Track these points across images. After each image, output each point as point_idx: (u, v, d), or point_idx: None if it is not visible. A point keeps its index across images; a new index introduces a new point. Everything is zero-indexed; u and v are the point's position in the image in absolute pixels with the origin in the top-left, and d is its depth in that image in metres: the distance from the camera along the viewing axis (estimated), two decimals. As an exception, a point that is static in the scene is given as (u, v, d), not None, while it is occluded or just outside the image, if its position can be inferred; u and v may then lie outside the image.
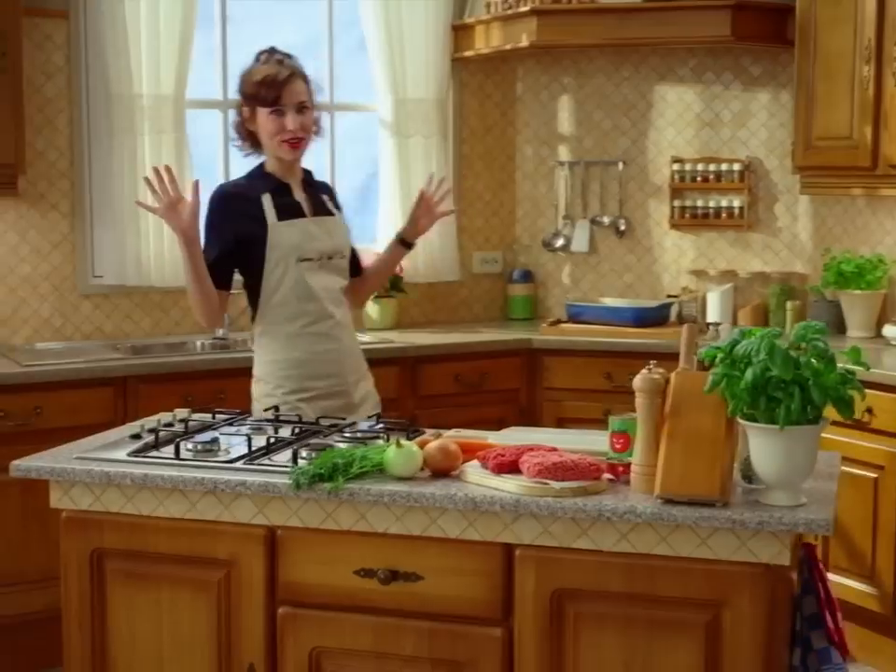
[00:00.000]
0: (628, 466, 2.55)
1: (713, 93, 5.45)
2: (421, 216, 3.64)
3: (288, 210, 3.39)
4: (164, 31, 4.77)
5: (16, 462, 2.78)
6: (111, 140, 4.79)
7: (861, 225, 5.09)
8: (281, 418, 3.15)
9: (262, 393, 3.45)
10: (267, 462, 2.73)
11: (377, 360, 4.72)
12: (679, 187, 5.48)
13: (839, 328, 4.99)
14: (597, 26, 4.98)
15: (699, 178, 5.46)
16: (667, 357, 4.76)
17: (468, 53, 5.42)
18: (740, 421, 2.40)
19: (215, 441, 2.84)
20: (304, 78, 3.41)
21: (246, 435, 2.88)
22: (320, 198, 3.52)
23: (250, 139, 3.43)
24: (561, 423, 4.85)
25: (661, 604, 2.43)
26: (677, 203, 5.49)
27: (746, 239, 5.46)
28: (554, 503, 2.43)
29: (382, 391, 4.69)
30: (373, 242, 5.44)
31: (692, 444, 2.42)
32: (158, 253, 4.84)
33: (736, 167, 5.40)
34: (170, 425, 3.05)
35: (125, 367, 4.32)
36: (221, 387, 4.42)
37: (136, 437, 2.95)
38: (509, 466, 2.56)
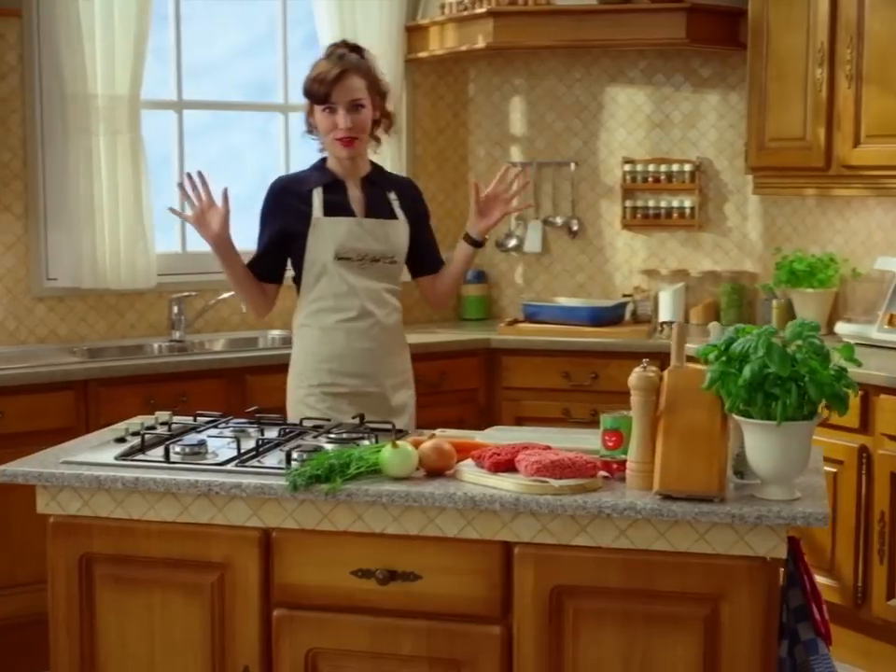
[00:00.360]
0: (622, 463, 2.58)
1: (663, 95, 5.52)
2: (488, 208, 3.45)
3: (337, 207, 3.38)
4: (119, 30, 4.72)
5: (1, 467, 2.74)
6: (66, 141, 4.73)
7: (812, 224, 5.19)
8: (262, 419, 3.13)
9: (294, 385, 3.46)
10: (259, 464, 2.71)
11: (338, 361, 4.74)
12: (631, 187, 5.54)
13: (790, 325, 5.08)
14: (553, 28, 5.02)
15: (650, 179, 5.52)
16: (624, 356, 4.89)
17: (422, 54, 5.43)
18: (736, 417, 2.44)
19: (202, 443, 2.82)
20: (363, 75, 3.35)
21: (234, 437, 2.86)
22: (383, 198, 3.46)
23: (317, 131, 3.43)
24: (520, 422, 4.88)
25: (659, 599, 2.46)
26: (628, 203, 5.55)
27: (696, 239, 5.53)
28: (554, 501, 2.46)
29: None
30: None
31: (688, 441, 2.45)
32: (114, 255, 4.78)
33: (687, 168, 5.47)
34: (152, 428, 3.03)
35: (86, 370, 4.26)
36: (183, 390, 4.39)
37: (121, 440, 2.92)
38: (505, 464, 2.58)
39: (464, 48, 5.18)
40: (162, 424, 3.07)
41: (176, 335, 4.91)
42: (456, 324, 5.61)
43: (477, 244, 3.52)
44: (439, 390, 4.94)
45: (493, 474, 2.56)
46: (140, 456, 2.79)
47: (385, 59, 5.29)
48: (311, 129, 3.44)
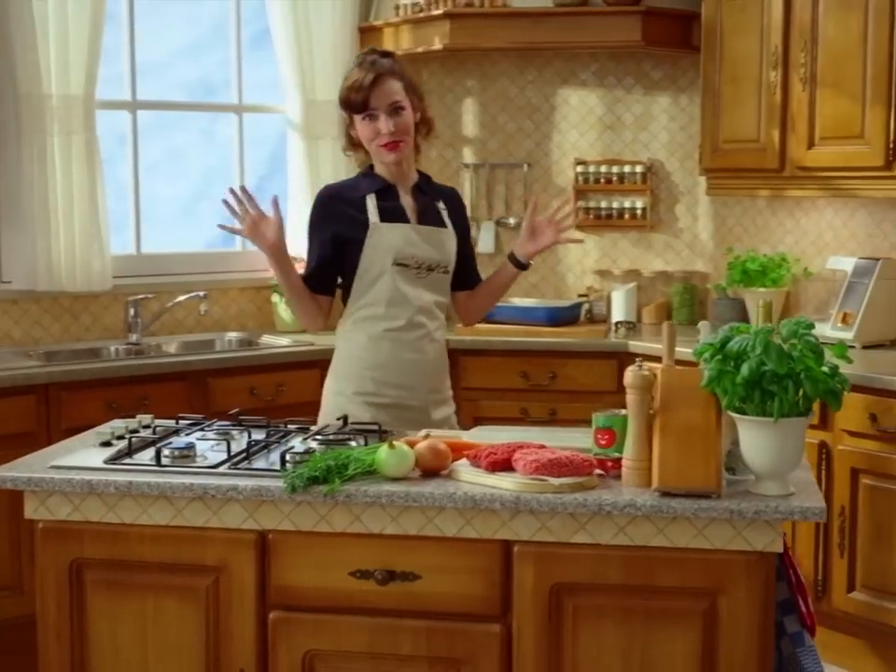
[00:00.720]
0: (616, 461, 2.61)
1: (615, 97, 5.58)
2: (541, 232, 3.38)
3: (392, 213, 3.29)
4: (73, 29, 4.68)
5: (-12, 472, 2.70)
6: (20, 141, 4.67)
7: (762, 225, 5.27)
8: (244, 421, 3.11)
9: (333, 390, 3.39)
10: (253, 467, 2.70)
11: (298, 363, 4.75)
12: (583, 188, 5.59)
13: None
14: (510, 30, 5.05)
15: (602, 180, 5.57)
16: (582, 356, 4.93)
17: (376, 55, 5.42)
18: (733, 415, 2.48)
19: (191, 446, 2.80)
20: (399, 77, 3.26)
21: (224, 440, 2.85)
22: (432, 206, 3.38)
23: (359, 145, 3.33)
24: (478, 422, 4.84)
25: (658, 594, 2.50)
26: (580, 204, 5.59)
27: (648, 239, 5.60)
28: (555, 499, 2.48)
29: (304, 394, 4.72)
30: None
31: (685, 438, 2.49)
32: (69, 257, 4.73)
33: (638, 169, 5.53)
34: (135, 431, 3.00)
35: (47, 374, 4.20)
36: (144, 393, 4.35)
37: (106, 444, 2.89)
38: (502, 464, 2.59)
39: (420, 49, 5.19)
40: (145, 427, 3.05)
41: (133, 338, 4.87)
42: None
43: (522, 266, 3.43)
44: (398, 391, 4.94)
45: (491, 473, 2.58)
46: (129, 460, 2.76)
47: (341, 60, 5.32)
48: (353, 144, 3.35)
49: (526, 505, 2.49)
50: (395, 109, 3.23)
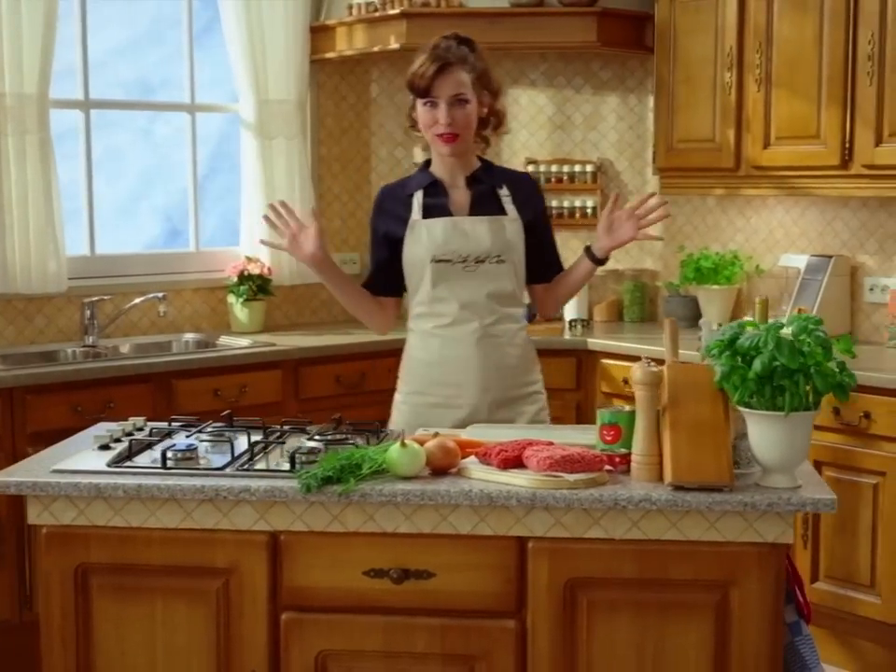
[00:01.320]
0: (623, 456, 2.65)
1: (564, 97, 5.63)
2: (619, 226, 3.23)
3: (435, 208, 3.24)
4: (27, 28, 4.59)
5: (-9, 477, 2.65)
6: (-27, 141, 4.58)
7: (712, 224, 5.36)
8: (238, 422, 3.09)
9: (397, 389, 3.40)
10: (259, 468, 2.69)
11: (260, 364, 4.72)
12: (534, 187, 5.62)
13: (694, 321, 5.25)
14: (466, 30, 4.97)
15: (553, 179, 5.62)
16: (542, 354, 4.91)
17: (329, 55, 5.41)
18: (743, 409, 2.52)
19: (193, 448, 2.77)
20: (469, 69, 3.17)
21: (225, 441, 2.83)
22: (490, 194, 3.26)
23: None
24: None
25: (671, 587, 2.54)
26: (532, 203, 5.63)
27: (599, 238, 5.65)
28: (571, 495, 2.50)
29: (266, 395, 4.70)
30: (237, 244, 5.42)
31: (695, 433, 2.53)
32: (24, 258, 4.65)
33: (588, 168, 5.59)
34: (130, 434, 2.97)
35: (14, 377, 4.12)
36: (109, 396, 4.29)
37: (104, 447, 2.85)
38: (513, 461, 2.61)
39: (376, 48, 5.19)
40: (138, 430, 3.02)
41: (89, 340, 4.79)
42: (362, 324, 5.57)
43: (599, 261, 3.30)
44: (359, 391, 4.95)
45: (503, 471, 2.60)
46: (131, 463, 2.73)
47: (293, 59, 5.30)
48: (413, 124, 3.29)
49: (543, 501, 2.51)
50: (457, 101, 3.15)
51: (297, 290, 5.54)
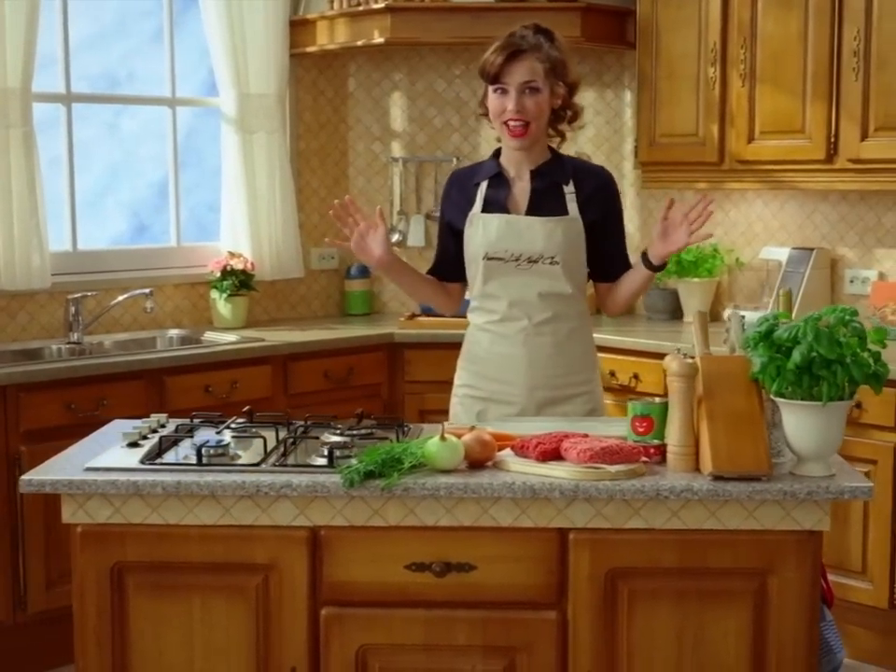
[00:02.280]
0: (657, 447, 2.68)
1: (542, 91, 5.64)
2: (672, 230, 3.11)
3: (496, 203, 3.21)
4: (9, 21, 4.52)
5: (25, 477, 2.62)
6: (-44, 135, 4.50)
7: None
8: (260, 418, 3.08)
9: (454, 381, 3.38)
10: (297, 462, 2.69)
11: (250, 360, 4.70)
12: (512, 182, 5.65)
13: (674, 314, 5.32)
14: (450, 24, 5.08)
15: (531, 173, 5.63)
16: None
17: (310, 49, 5.39)
18: (780, 400, 2.55)
19: (226, 444, 2.76)
20: (543, 59, 3.13)
21: (260, 436, 2.82)
22: (554, 191, 3.20)
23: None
24: (423, 415, 4.91)
25: (711, 576, 2.57)
26: (510, 197, 5.65)
27: (576, 231, 5.68)
28: (613, 486, 2.53)
29: (257, 391, 4.69)
30: (209, 239, 5.39)
31: (733, 424, 2.57)
32: (8, 253, 4.58)
33: (566, 163, 5.62)
34: (154, 430, 2.95)
35: (7, 375, 4.07)
36: (102, 394, 4.25)
37: (133, 444, 2.83)
38: (552, 453, 2.63)
39: (360, 43, 5.18)
40: (161, 426, 3.00)
41: (74, 337, 4.74)
42: (341, 319, 5.60)
43: (656, 268, 3.22)
44: (346, 385, 4.94)
45: (542, 463, 2.61)
46: (162, 460, 2.72)
47: (273, 53, 5.28)
48: (485, 112, 3.23)
49: (585, 493, 2.53)
50: (527, 89, 3.11)
51: (276, 285, 5.51)
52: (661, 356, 4.57)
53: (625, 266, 3.32)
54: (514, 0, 5.07)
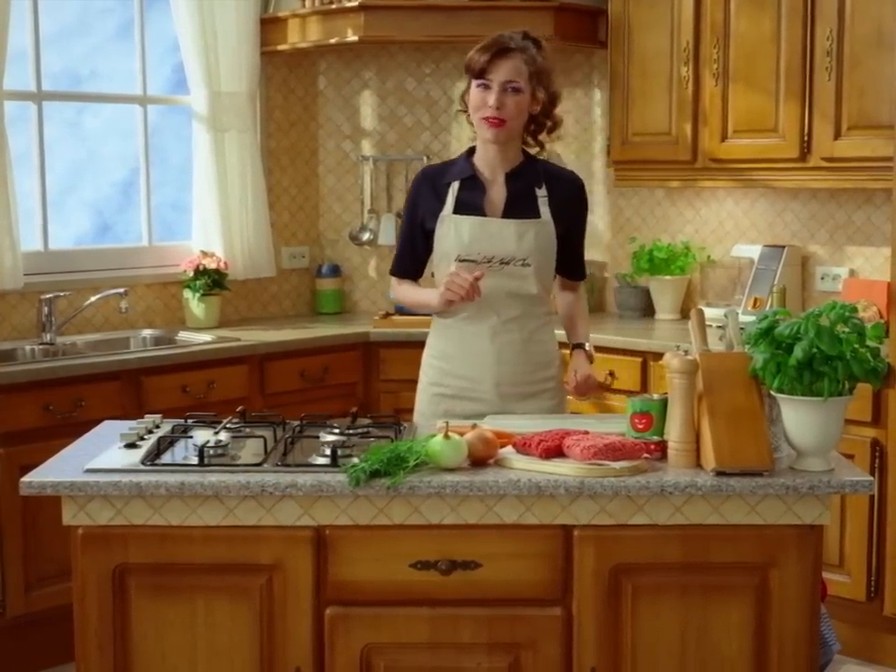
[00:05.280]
0: (657, 444, 2.70)
1: (512, 90, 5.66)
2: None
3: (468, 204, 3.22)
4: (-20, 18, 4.48)
5: (26, 479, 2.59)
6: (-74, 134, 4.44)
7: (661, 215, 5.46)
8: (254, 418, 3.07)
9: (419, 378, 3.41)
10: (299, 462, 2.68)
11: (226, 360, 4.68)
12: (482, 180, 5.66)
13: (646, 311, 5.36)
14: (424, 23, 5.08)
15: (501, 172, 5.65)
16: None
17: (281, 47, 5.37)
18: (781, 395, 2.58)
19: (225, 444, 2.75)
20: (528, 61, 3.16)
21: (261, 437, 2.81)
22: (527, 194, 3.24)
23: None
24: (398, 414, 4.85)
25: (714, 570, 2.60)
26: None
27: (547, 230, 5.70)
28: (618, 482, 2.54)
29: (234, 391, 4.66)
30: (185, 237, 5.36)
31: (734, 420, 2.59)
32: (-21, 255, 4.53)
33: (537, 161, 5.63)
34: (150, 431, 2.93)
35: (-14, 377, 4.03)
36: (79, 394, 4.21)
37: (131, 445, 2.81)
38: (554, 451, 2.65)
39: (333, 41, 5.16)
40: (156, 427, 2.98)
41: (47, 338, 4.69)
42: (313, 318, 5.58)
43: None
44: (322, 385, 4.93)
45: (545, 460, 2.63)
46: (161, 461, 2.70)
47: (245, 51, 5.25)
48: (465, 108, 3.25)
49: (590, 489, 2.55)
50: (510, 88, 3.14)
51: (247, 285, 5.49)
52: (635, 353, 4.67)
53: (579, 267, 3.46)
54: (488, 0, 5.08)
